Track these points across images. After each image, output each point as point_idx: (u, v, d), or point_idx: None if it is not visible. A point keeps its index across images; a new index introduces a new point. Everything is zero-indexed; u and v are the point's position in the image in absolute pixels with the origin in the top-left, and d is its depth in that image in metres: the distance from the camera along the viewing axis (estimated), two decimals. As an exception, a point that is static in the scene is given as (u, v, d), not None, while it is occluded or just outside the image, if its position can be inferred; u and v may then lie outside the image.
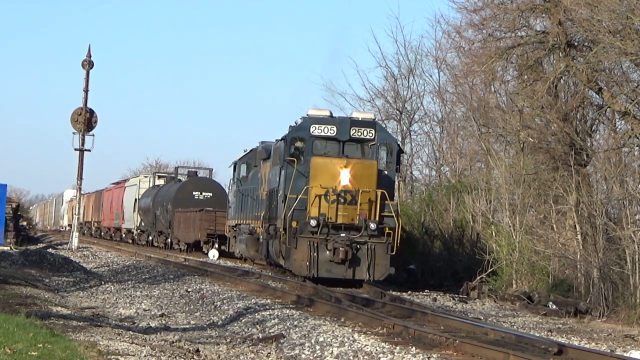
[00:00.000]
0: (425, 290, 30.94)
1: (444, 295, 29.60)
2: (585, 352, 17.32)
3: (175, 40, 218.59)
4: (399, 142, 37.24)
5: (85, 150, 54.65)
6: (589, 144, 32.30)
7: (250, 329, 19.84)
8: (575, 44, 31.28)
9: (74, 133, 54.63)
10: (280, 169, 31.05)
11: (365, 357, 16.11)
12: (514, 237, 30.98)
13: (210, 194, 55.30)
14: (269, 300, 24.35)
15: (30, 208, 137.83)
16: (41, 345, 14.09)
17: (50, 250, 45.78)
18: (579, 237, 29.37)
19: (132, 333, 17.71)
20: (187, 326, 20.42)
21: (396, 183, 34.24)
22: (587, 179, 31.21)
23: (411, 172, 46.34)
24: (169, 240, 56.68)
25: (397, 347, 16.68)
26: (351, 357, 16.14)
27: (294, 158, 30.15)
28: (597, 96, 31.43)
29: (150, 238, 61.74)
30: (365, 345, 16.89)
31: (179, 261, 41.73)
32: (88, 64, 54.65)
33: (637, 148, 30.17)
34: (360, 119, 30.80)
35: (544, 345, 17.69)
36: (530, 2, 31.43)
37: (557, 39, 30.88)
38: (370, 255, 28.99)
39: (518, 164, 32.65)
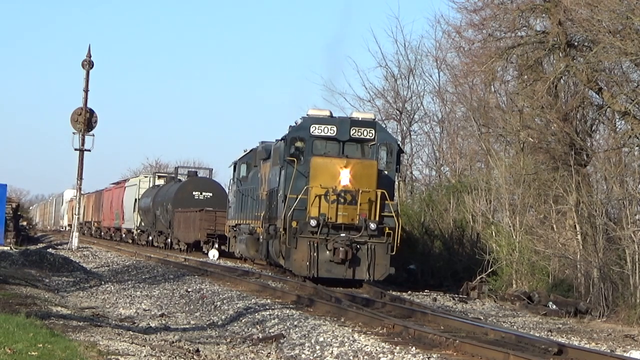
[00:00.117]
0: (425, 290, 30.94)
1: (444, 295, 29.59)
2: (585, 352, 17.31)
3: (175, 40, 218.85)
4: (399, 142, 37.24)
5: (85, 150, 54.67)
6: (589, 144, 32.30)
7: (250, 329, 19.83)
8: (575, 44, 31.28)
9: (74, 133, 54.65)
10: (280, 169, 31.05)
11: (365, 357, 16.11)
12: (514, 237, 30.98)
13: (210, 194, 55.31)
14: (269, 300, 24.35)
15: (30, 208, 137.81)
16: (41, 345, 14.09)
17: (50, 250, 45.78)
18: (579, 237, 29.37)
19: (132, 333, 17.71)
20: (187, 326, 20.42)
21: (396, 183, 34.24)
22: (587, 179, 31.21)
23: (411, 172, 46.35)
24: (169, 240, 56.68)
25: (397, 347, 16.67)
26: (351, 357, 16.14)
27: (294, 158, 30.15)
28: (597, 96, 31.43)
29: (150, 238, 61.74)
30: (365, 345, 16.89)
31: (179, 261, 41.73)
32: (88, 64, 54.65)
33: (637, 148, 30.17)
34: (360, 119, 30.80)
35: (544, 345, 17.69)
36: (530, 2, 31.43)
37: (557, 39, 30.88)
38: (370, 255, 28.99)
39: (518, 164, 32.66)
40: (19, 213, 62.49)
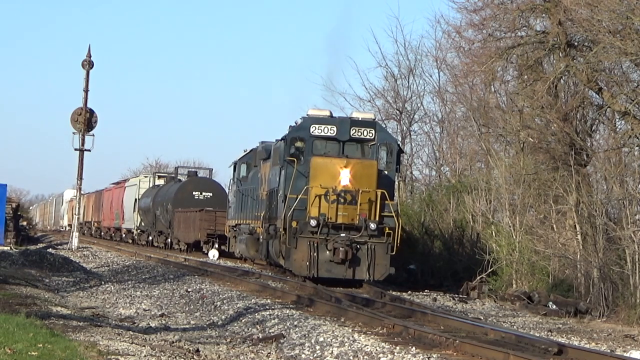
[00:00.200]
0: (425, 290, 30.93)
1: (444, 295, 29.59)
2: (585, 352, 17.31)
3: (175, 40, 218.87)
4: (399, 142, 37.24)
5: (85, 150, 54.67)
6: (589, 144, 32.30)
7: (250, 329, 19.83)
8: (575, 44, 31.28)
9: (74, 133, 54.65)
10: (280, 169, 31.05)
11: (365, 357, 16.11)
12: (514, 237, 30.98)
13: (210, 194, 55.31)
14: (269, 300, 24.35)
15: (30, 208, 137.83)
16: (41, 345, 14.09)
17: (50, 250, 45.78)
18: (579, 237, 29.37)
19: (132, 333, 17.71)
20: (187, 326, 20.42)
21: (396, 183, 34.24)
22: (587, 179, 31.21)
23: (411, 172, 46.35)
24: (169, 240, 56.68)
25: (397, 347, 16.67)
26: (351, 357, 16.14)
27: (294, 158, 30.15)
28: (597, 96, 31.43)
29: (150, 238, 61.74)
30: (365, 345, 16.88)
31: (179, 261, 41.73)
32: (88, 64, 54.65)
33: (637, 148, 30.17)
34: (360, 119, 30.80)
35: (544, 345, 17.69)
36: (530, 2, 31.42)
37: (557, 39, 30.88)
38: (370, 255, 28.99)
39: (518, 164, 32.66)
40: (19, 213, 62.50)
